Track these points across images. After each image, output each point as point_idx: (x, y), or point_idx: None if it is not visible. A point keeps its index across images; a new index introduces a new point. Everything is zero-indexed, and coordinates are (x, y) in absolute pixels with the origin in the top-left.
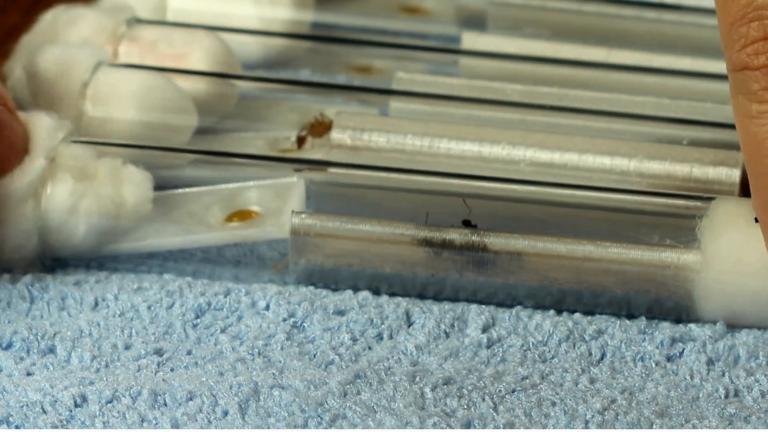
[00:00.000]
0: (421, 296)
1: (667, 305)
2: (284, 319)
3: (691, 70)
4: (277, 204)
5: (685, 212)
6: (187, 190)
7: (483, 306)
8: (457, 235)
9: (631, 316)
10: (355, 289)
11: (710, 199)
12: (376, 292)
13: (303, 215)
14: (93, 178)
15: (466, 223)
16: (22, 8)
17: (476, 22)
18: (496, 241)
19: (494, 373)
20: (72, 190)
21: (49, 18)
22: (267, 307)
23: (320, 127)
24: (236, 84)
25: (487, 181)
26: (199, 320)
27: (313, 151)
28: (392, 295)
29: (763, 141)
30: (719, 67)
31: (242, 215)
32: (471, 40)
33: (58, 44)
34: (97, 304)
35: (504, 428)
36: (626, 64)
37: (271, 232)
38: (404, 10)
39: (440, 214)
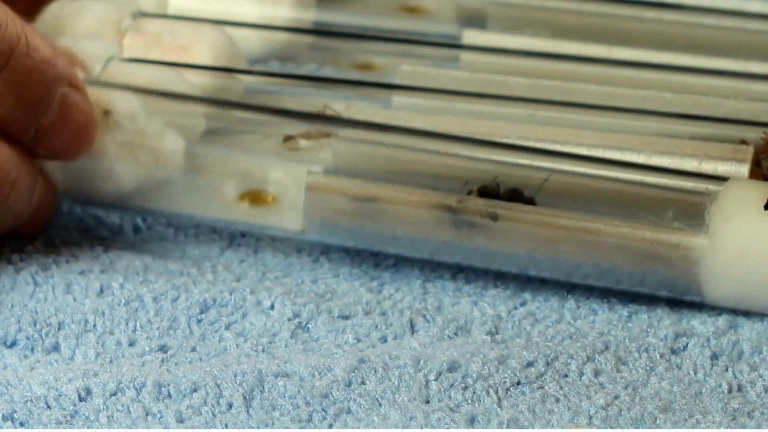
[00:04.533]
0: (432, 261)
1: (675, 285)
2: (289, 319)
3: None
4: (295, 193)
5: (695, 195)
6: (210, 157)
7: (486, 315)
8: (469, 204)
9: (638, 295)
10: (368, 251)
11: (723, 180)
12: (387, 256)
13: (318, 174)
14: (137, 134)
15: (482, 193)
16: (26, 5)
17: (477, 21)
18: (507, 212)
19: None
20: (116, 141)
21: (54, 10)
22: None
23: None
24: (241, 77)
25: (503, 149)
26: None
27: (319, 148)
28: (404, 259)
29: None
30: (720, 65)
31: (255, 196)
32: (472, 39)
33: (69, 37)
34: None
35: (508, 424)
36: (627, 60)
37: (289, 222)
38: (405, 10)
39: (455, 181)
